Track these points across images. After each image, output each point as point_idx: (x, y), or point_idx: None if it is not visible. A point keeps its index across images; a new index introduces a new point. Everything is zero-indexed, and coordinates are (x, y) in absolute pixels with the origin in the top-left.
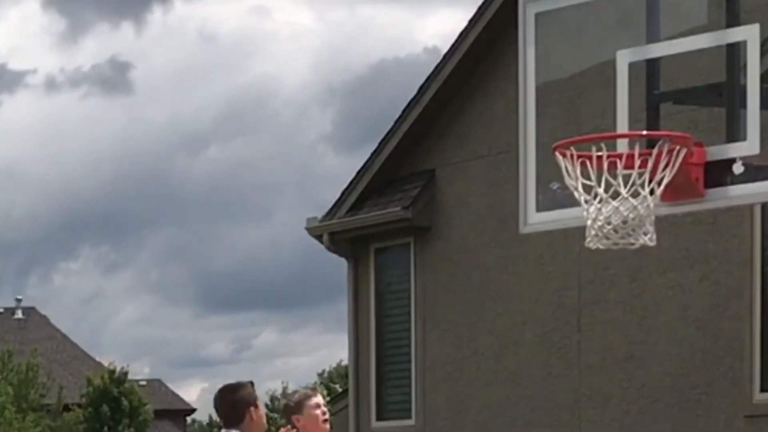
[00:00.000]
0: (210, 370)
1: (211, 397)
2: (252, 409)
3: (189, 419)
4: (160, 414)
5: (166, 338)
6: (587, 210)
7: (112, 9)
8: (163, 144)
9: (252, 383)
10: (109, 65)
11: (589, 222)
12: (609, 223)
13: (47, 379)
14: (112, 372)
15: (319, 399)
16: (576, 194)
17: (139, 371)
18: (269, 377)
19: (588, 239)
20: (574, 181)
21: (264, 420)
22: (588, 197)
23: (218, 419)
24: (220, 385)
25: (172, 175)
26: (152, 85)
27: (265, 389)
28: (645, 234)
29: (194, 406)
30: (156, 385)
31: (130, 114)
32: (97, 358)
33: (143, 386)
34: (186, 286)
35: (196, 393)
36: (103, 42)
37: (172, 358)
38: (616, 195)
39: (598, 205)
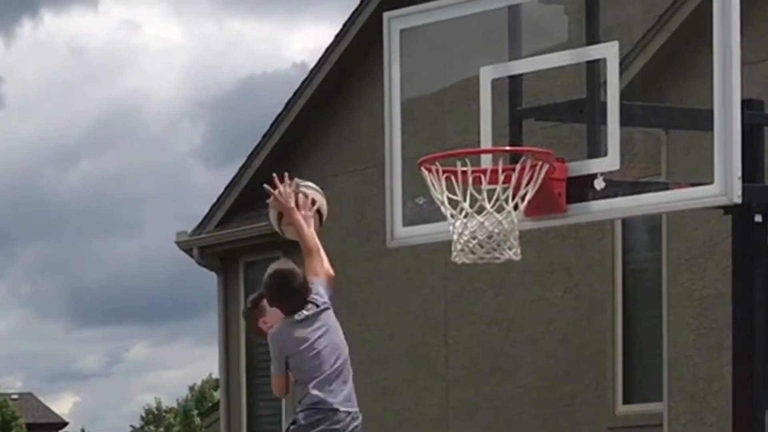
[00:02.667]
0: (82, 384)
1: (83, 410)
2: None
3: None
4: (32, 427)
5: (37, 352)
6: (453, 225)
7: None
8: (34, 157)
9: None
10: None
11: (454, 237)
12: (474, 238)
13: None
14: None
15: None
16: (442, 209)
17: (11, 385)
18: (141, 390)
19: (454, 254)
20: (440, 196)
21: None
22: (453, 212)
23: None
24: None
25: (43, 189)
26: (22, 98)
27: (139, 403)
28: (510, 248)
29: (66, 419)
30: (28, 398)
31: (0, 127)
32: None
33: (15, 400)
34: (57, 299)
35: (68, 406)
36: None
37: (44, 371)
38: (480, 210)
39: (464, 220)
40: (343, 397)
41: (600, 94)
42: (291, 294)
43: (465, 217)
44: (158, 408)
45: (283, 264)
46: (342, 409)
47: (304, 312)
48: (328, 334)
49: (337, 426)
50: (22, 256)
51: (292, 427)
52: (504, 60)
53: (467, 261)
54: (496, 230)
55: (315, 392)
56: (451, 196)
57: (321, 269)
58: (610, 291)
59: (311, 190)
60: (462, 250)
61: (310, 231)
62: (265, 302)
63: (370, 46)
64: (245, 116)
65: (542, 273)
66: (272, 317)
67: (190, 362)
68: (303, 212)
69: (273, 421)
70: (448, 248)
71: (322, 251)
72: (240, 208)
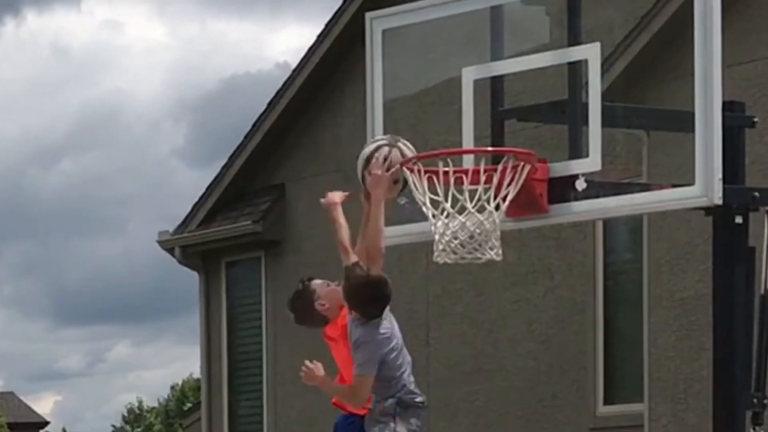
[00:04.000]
0: (64, 383)
1: (64, 409)
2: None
3: None
4: (13, 427)
5: (19, 351)
6: (434, 225)
7: None
8: (16, 157)
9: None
10: None
11: (436, 237)
12: (456, 238)
13: None
14: None
15: None
16: (423, 209)
17: None
18: (123, 390)
19: (435, 254)
20: (422, 197)
21: None
22: (435, 212)
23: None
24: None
25: (25, 189)
26: (4, 97)
27: (121, 402)
28: (491, 249)
29: (48, 419)
30: (9, 397)
31: None
32: None
33: None
34: (39, 299)
35: (50, 406)
36: None
37: (26, 371)
38: (462, 210)
39: (445, 220)
40: None
41: (581, 95)
42: (385, 301)
43: (446, 217)
44: (140, 407)
45: (372, 271)
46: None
47: (386, 311)
48: (397, 326)
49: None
50: (4, 256)
51: (399, 409)
52: (486, 61)
53: (449, 261)
54: (477, 230)
55: (408, 382)
56: (432, 196)
57: (379, 257)
58: (592, 292)
59: (407, 149)
60: (443, 250)
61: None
62: (314, 284)
63: (352, 46)
64: (228, 116)
65: (523, 274)
66: (329, 299)
67: (172, 362)
68: (374, 171)
69: (254, 421)
70: (430, 249)
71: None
72: (222, 208)
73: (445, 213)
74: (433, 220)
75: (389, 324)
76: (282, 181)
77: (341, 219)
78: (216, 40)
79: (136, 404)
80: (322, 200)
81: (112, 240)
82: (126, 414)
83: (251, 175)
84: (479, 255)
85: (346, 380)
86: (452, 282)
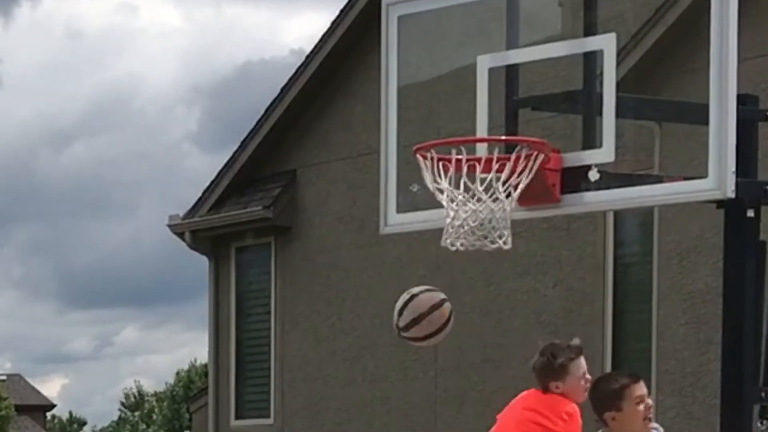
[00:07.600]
0: (71, 366)
1: (71, 392)
2: None
3: (49, 415)
4: (19, 409)
5: (27, 333)
6: (447, 210)
7: None
8: (28, 139)
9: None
10: None
11: (447, 220)
12: (465, 226)
13: None
14: None
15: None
16: (437, 195)
17: (0, 366)
18: (131, 374)
19: (444, 236)
20: (439, 181)
21: None
22: (451, 195)
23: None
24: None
25: (37, 171)
26: (19, 79)
27: (128, 386)
28: (500, 237)
29: (54, 401)
30: (16, 379)
31: None
32: None
33: (3, 381)
34: (48, 281)
35: (57, 389)
36: None
37: (34, 353)
38: (474, 198)
39: (455, 207)
40: None
41: (596, 85)
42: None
43: (457, 205)
44: (140, 392)
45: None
46: None
47: None
48: None
49: None
50: (15, 238)
51: None
52: (501, 49)
53: (460, 248)
54: (488, 219)
55: None
56: (446, 185)
57: None
58: (601, 283)
59: None
60: (453, 234)
61: None
62: (574, 366)
63: (366, 32)
64: (242, 102)
65: (533, 264)
66: (570, 388)
67: (180, 347)
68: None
69: (261, 407)
70: (440, 238)
71: None
72: (233, 193)
73: (458, 199)
74: (446, 206)
75: None
76: (293, 167)
77: None
78: (230, 26)
79: (135, 390)
80: None
81: (122, 223)
82: (124, 400)
83: (263, 160)
84: (488, 243)
85: None
86: (462, 271)
